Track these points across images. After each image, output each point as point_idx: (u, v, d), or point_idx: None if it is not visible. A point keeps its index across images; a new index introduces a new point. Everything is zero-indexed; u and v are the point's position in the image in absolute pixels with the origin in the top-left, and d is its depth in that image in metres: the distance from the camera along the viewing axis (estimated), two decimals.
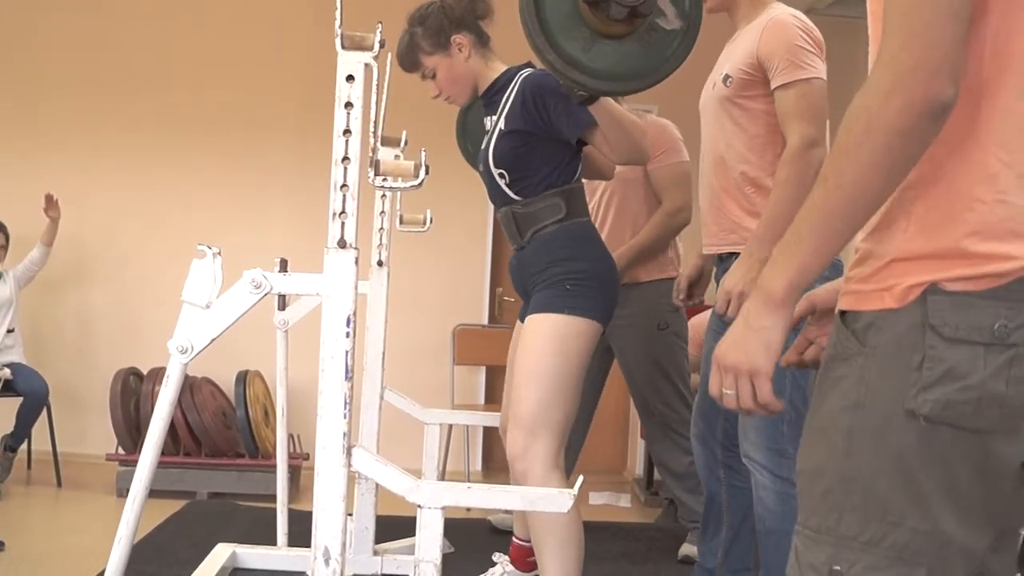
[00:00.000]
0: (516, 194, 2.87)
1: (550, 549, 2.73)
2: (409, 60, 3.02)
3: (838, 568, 1.25)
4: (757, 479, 2.90)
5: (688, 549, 4.07)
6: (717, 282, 3.09)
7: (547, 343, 2.75)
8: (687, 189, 4.07)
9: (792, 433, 2.85)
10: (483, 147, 2.98)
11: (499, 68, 3.01)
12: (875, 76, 1.20)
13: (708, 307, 4.06)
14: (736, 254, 2.92)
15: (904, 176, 1.22)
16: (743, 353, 1.33)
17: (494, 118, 2.94)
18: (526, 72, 2.88)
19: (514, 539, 3.43)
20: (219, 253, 2.18)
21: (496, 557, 3.48)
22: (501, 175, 2.88)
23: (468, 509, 4.54)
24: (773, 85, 2.82)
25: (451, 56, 2.98)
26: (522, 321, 3.07)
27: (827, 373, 1.30)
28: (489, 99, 3.00)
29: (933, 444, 1.20)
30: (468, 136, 3.49)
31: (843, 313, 1.30)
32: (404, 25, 3.03)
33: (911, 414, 1.20)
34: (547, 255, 2.83)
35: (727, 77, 2.91)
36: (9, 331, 5.36)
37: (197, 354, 2.17)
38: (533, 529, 2.76)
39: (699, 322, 4.43)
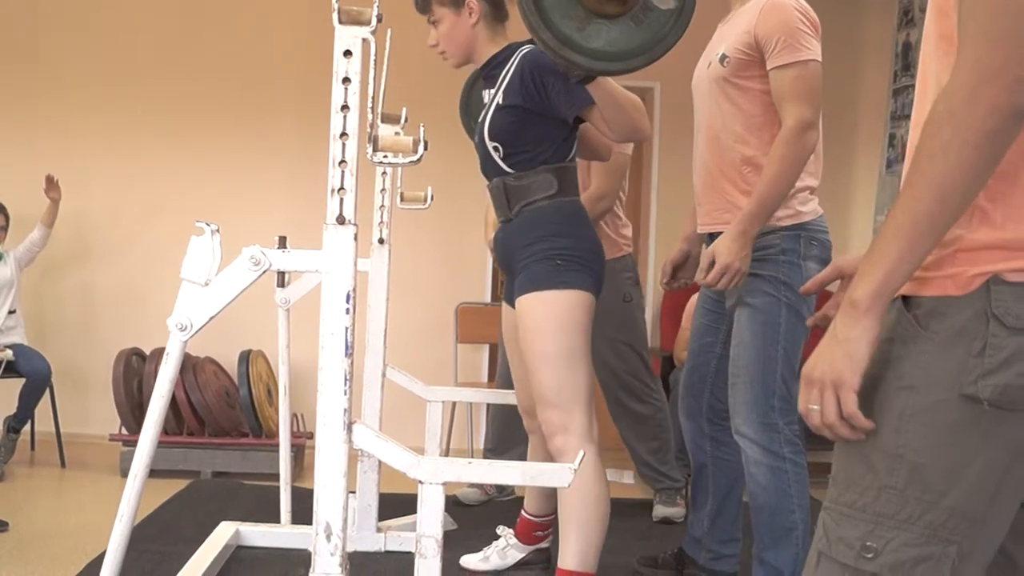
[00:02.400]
0: (510, 167, 2.88)
1: (576, 525, 2.77)
2: (422, 1, 3.04)
3: (872, 544, 1.28)
4: (748, 455, 2.91)
5: (661, 511, 4.35)
6: None
7: (548, 323, 2.76)
8: (617, 180, 4.07)
9: (782, 407, 2.86)
10: (479, 120, 2.98)
11: (503, 44, 3.01)
12: (958, 81, 1.22)
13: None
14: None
15: (990, 175, 1.24)
16: (827, 365, 1.31)
17: (492, 92, 2.94)
18: (526, 49, 2.87)
19: (523, 513, 3.45)
20: (218, 230, 2.18)
21: (500, 530, 3.50)
22: (495, 148, 2.89)
23: (470, 486, 4.56)
24: (770, 65, 2.83)
25: (459, 15, 2.99)
26: (508, 302, 3.07)
27: (881, 355, 1.32)
28: (488, 72, 3.00)
29: (982, 426, 1.24)
30: (471, 113, 3.48)
31: (905, 298, 1.32)
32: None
33: (968, 398, 1.23)
34: (535, 230, 2.83)
35: (724, 57, 2.91)
36: (11, 312, 5.37)
37: (196, 331, 2.17)
38: (562, 503, 2.80)
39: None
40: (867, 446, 1.31)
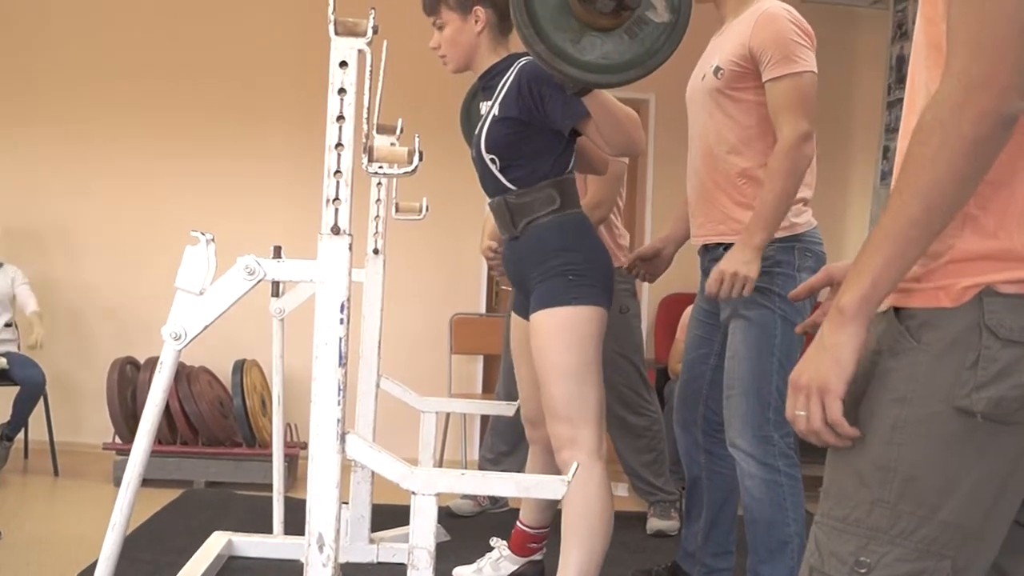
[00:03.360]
0: (509, 182, 2.88)
1: (578, 539, 2.77)
2: (430, 2, 3.03)
3: (865, 559, 1.28)
4: (743, 468, 2.91)
5: (655, 524, 4.35)
6: (704, 272, 3.11)
7: (561, 338, 2.77)
8: (614, 188, 4.07)
9: (777, 419, 2.86)
10: (476, 132, 2.98)
11: (503, 55, 3.01)
12: (946, 89, 1.22)
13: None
14: (725, 244, 2.94)
15: (979, 183, 1.24)
16: (814, 371, 1.31)
17: (489, 104, 2.95)
18: (524, 60, 2.87)
19: (518, 524, 3.44)
20: (212, 240, 2.18)
21: (493, 542, 3.49)
22: (492, 160, 2.89)
23: (464, 497, 4.56)
24: (765, 77, 2.84)
25: (466, 21, 2.98)
26: (518, 313, 3.08)
27: (871, 367, 1.32)
28: (486, 83, 3.00)
29: (976, 439, 1.24)
30: (472, 124, 3.49)
31: (896, 309, 1.31)
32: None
33: (962, 411, 1.23)
34: (545, 247, 2.84)
35: (718, 69, 2.92)
36: (6, 325, 5.36)
37: (191, 341, 2.17)
38: (566, 517, 2.80)
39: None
40: (859, 459, 1.30)
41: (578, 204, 2.93)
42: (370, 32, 2.02)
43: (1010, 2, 1.18)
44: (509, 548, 3.44)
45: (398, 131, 3.42)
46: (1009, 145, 1.25)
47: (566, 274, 2.79)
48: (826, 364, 1.29)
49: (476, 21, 2.98)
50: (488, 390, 6.10)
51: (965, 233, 1.27)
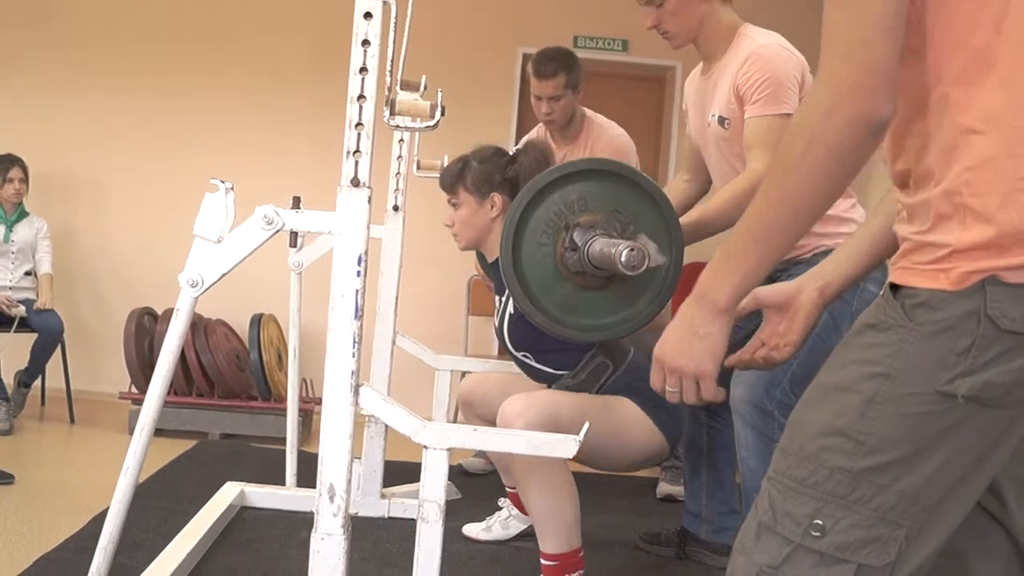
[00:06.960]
0: (552, 368, 2.88)
1: (545, 514, 2.71)
2: (449, 182, 3.04)
3: (820, 522, 1.27)
4: (740, 438, 2.89)
5: (666, 488, 4.35)
6: (769, 279, 3.07)
7: (620, 410, 2.76)
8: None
9: (781, 399, 2.84)
10: (497, 325, 3.01)
11: None
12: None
13: None
14: (785, 271, 2.86)
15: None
16: (688, 358, 1.45)
17: (502, 299, 2.96)
18: None
19: (507, 487, 3.45)
20: (232, 188, 2.18)
21: (502, 502, 3.51)
22: (525, 356, 2.91)
23: (475, 455, 4.58)
24: (747, 114, 2.79)
25: (482, 205, 2.99)
26: None
27: (857, 338, 1.30)
28: (496, 276, 2.99)
29: (952, 418, 1.22)
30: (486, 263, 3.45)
31: (895, 286, 1.29)
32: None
33: (944, 395, 1.21)
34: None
35: (723, 120, 2.88)
36: (27, 274, 5.39)
37: (207, 288, 2.17)
38: (525, 497, 2.75)
39: None
40: (826, 425, 1.28)
41: (628, 348, 2.91)
42: None
43: (872, 3, 1.17)
44: (517, 508, 3.46)
45: (421, 88, 3.41)
46: (990, 126, 1.20)
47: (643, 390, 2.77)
48: (703, 353, 1.44)
49: (492, 206, 2.97)
50: (503, 352, 6.10)
51: (968, 221, 1.22)
